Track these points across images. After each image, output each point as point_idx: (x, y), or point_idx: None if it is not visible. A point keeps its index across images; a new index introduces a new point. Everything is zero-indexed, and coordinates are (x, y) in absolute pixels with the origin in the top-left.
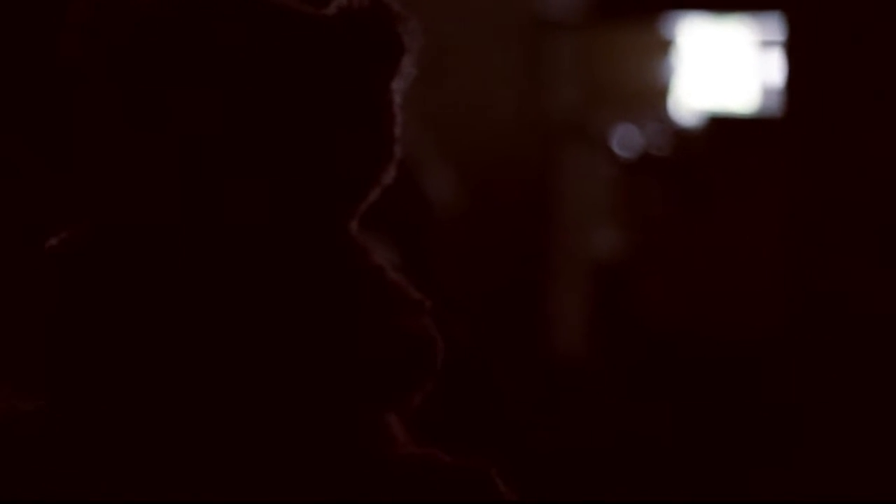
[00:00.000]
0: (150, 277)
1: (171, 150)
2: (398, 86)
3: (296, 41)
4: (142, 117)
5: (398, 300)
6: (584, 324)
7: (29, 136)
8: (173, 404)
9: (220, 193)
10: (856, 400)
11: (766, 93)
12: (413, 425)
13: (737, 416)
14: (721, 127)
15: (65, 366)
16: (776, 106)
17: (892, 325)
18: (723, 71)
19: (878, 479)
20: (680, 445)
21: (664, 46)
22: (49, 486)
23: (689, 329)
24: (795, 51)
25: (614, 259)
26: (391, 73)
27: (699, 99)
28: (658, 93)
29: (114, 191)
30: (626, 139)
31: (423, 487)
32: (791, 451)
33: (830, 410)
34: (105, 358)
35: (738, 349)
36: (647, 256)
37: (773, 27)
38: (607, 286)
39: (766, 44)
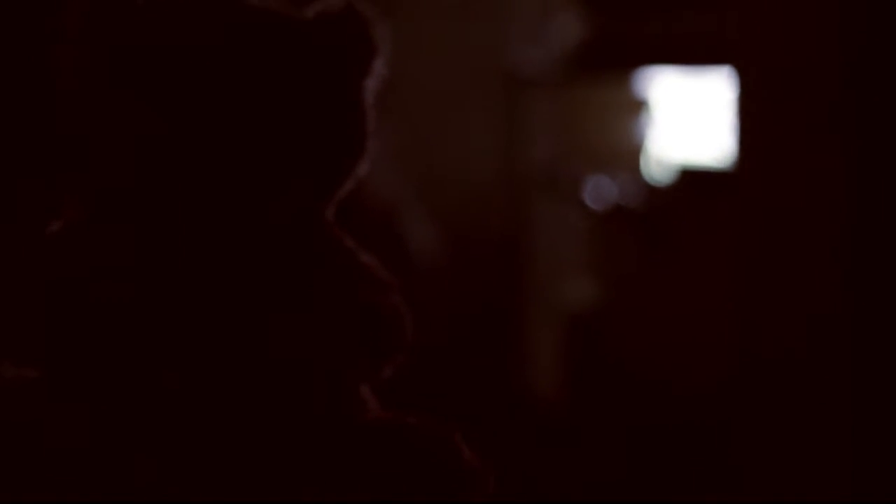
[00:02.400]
0: (139, 260)
1: (155, 143)
2: (370, 85)
3: (275, 41)
4: (127, 113)
5: (369, 279)
6: (558, 370)
7: (28, 132)
8: (160, 376)
9: (202, 181)
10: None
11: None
12: (384, 394)
13: (697, 459)
14: (691, 179)
15: (60, 338)
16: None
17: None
18: (694, 125)
19: None
20: (642, 487)
21: (637, 102)
22: (47, 455)
23: (660, 376)
24: (745, 105)
25: (587, 308)
26: (363, 72)
27: (670, 152)
28: (630, 147)
29: (103, 180)
30: (598, 192)
31: (392, 447)
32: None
33: (768, 460)
34: (97, 332)
35: (703, 396)
36: (618, 305)
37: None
38: (581, 334)
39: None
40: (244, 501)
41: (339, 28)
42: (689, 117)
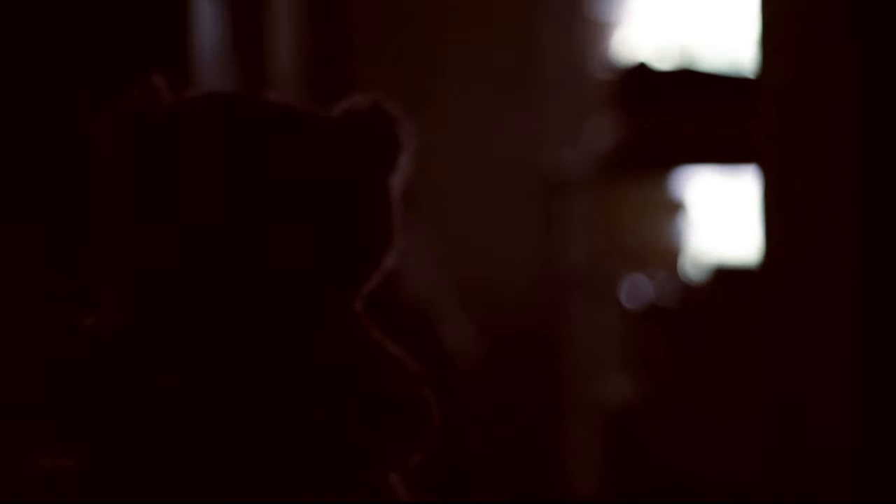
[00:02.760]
0: (172, 352)
1: (186, 242)
2: (396, 181)
3: (303, 140)
4: (158, 213)
5: (397, 369)
6: (596, 464)
7: (62, 229)
8: (196, 468)
9: (234, 277)
10: None
11: None
12: (412, 483)
13: None
14: (725, 278)
15: (98, 430)
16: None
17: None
18: (730, 224)
19: None
20: None
21: (672, 202)
22: None
23: (694, 469)
24: (770, 201)
25: (624, 404)
26: (389, 168)
27: (706, 251)
28: (666, 246)
29: (135, 278)
30: (634, 291)
31: None
32: None
33: None
34: (135, 423)
35: (735, 489)
36: (654, 401)
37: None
38: (617, 429)
39: None
40: None
41: (364, 126)
42: (725, 216)
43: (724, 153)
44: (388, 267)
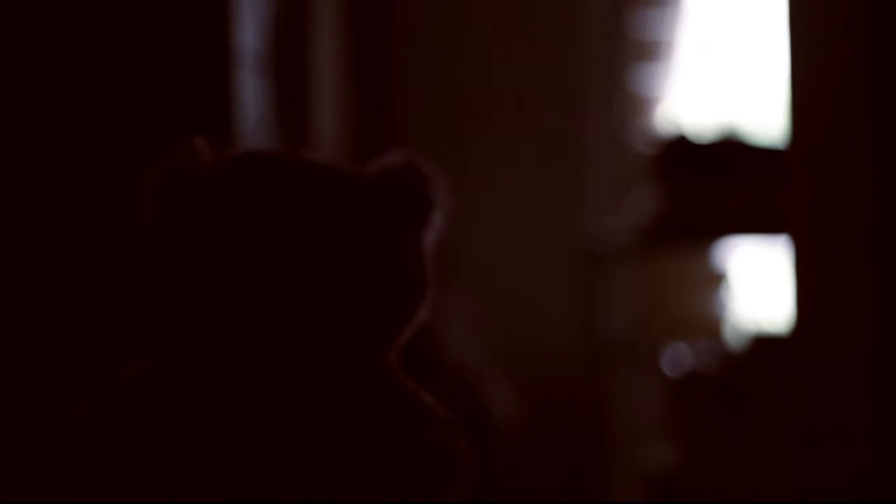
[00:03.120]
0: (211, 402)
1: (226, 294)
2: (429, 237)
3: (339, 197)
4: (199, 266)
5: (431, 419)
6: None
7: (108, 283)
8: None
9: (271, 330)
10: None
11: None
12: None
13: None
14: (765, 345)
15: (143, 476)
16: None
17: None
18: (770, 292)
19: None
20: None
21: (713, 271)
22: None
23: None
24: (799, 269)
25: (666, 470)
26: (423, 224)
27: (746, 319)
28: (707, 315)
29: (178, 330)
30: (675, 359)
31: None
32: None
33: None
34: (176, 472)
35: None
36: (695, 467)
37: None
38: (660, 495)
39: None
40: None
41: (398, 183)
42: (766, 285)
43: (763, 223)
44: (422, 320)
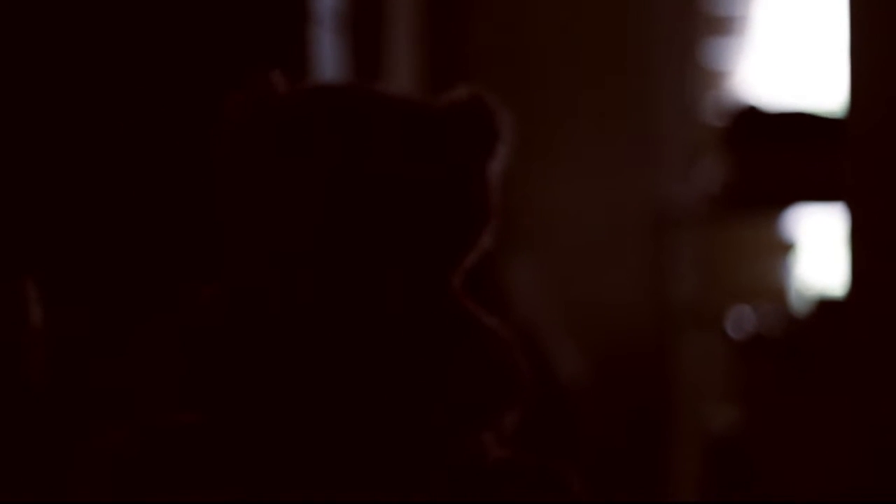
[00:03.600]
0: (287, 315)
1: (296, 223)
2: (494, 166)
3: (407, 126)
4: (273, 195)
5: (491, 337)
6: (700, 490)
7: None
8: (306, 421)
9: (340, 258)
10: None
11: None
12: (507, 442)
13: None
14: (829, 309)
15: (223, 387)
16: None
17: None
18: (835, 257)
19: None
20: None
21: (779, 238)
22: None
23: (795, 494)
24: (854, 235)
25: (729, 431)
26: (488, 154)
27: (811, 284)
28: (771, 280)
29: (245, 256)
30: (740, 322)
31: (509, 484)
32: None
33: None
34: (253, 383)
35: None
36: (758, 429)
37: None
38: (722, 455)
39: None
40: None
41: (465, 115)
42: (831, 251)
43: (829, 191)
44: (485, 246)
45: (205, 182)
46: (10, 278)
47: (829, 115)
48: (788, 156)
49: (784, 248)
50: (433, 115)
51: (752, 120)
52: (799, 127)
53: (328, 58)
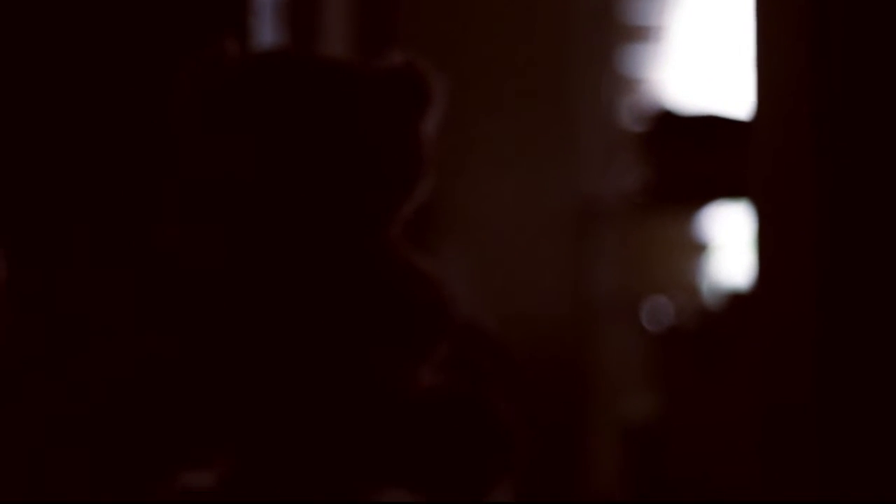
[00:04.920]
0: (222, 277)
1: (242, 178)
2: (427, 125)
3: (347, 88)
4: (231, 144)
5: (425, 279)
6: (618, 474)
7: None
8: (248, 376)
9: (283, 208)
10: None
11: None
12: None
13: None
14: (739, 302)
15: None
16: None
17: None
18: (745, 252)
19: None
20: None
21: (694, 236)
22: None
23: (711, 480)
24: (763, 235)
25: (646, 419)
26: (422, 113)
27: (724, 279)
28: (687, 276)
29: (198, 209)
30: (656, 315)
31: (442, 412)
32: None
33: None
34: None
35: (742, 494)
36: (673, 417)
37: None
38: (639, 442)
39: None
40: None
41: (400, 75)
42: (741, 247)
43: (738, 190)
44: (421, 199)
45: (155, 140)
46: None
47: (737, 118)
48: (701, 157)
49: (698, 245)
50: (371, 77)
51: (667, 123)
52: (711, 129)
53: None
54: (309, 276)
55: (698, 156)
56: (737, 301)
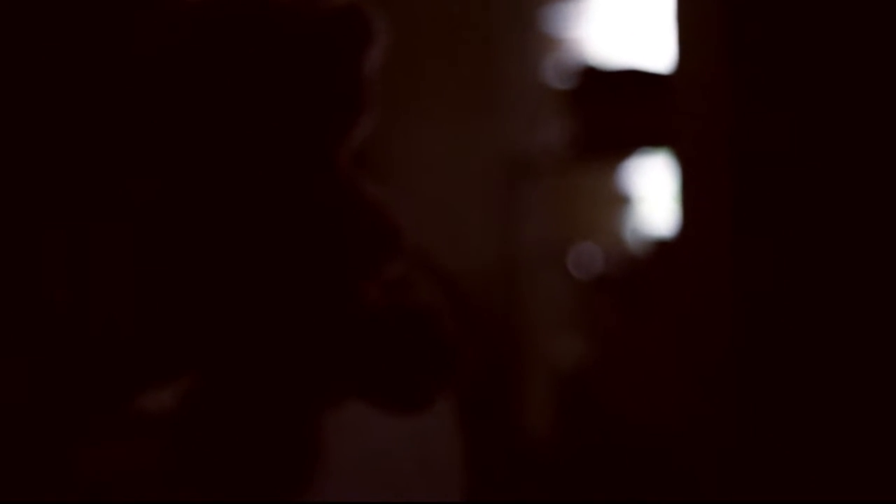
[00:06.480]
0: (178, 207)
1: (189, 110)
2: (369, 62)
3: (289, 28)
4: (167, 86)
5: (373, 202)
6: (549, 414)
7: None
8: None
9: (232, 141)
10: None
11: None
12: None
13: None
14: (662, 249)
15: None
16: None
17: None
18: (668, 198)
19: None
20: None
21: (620, 184)
22: None
23: (642, 421)
24: (684, 182)
25: (576, 363)
26: (362, 51)
27: (649, 226)
28: (612, 224)
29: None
30: (584, 263)
31: (388, 325)
32: None
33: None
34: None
35: (666, 433)
36: (601, 360)
37: None
38: (570, 385)
39: None
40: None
41: (344, 15)
42: (664, 196)
43: (660, 141)
44: (364, 131)
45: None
46: None
47: (658, 73)
48: (624, 111)
49: (622, 196)
50: (312, 18)
51: (591, 79)
52: (633, 84)
53: None
54: (262, 200)
55: (621, 110)
56: (660, 248)
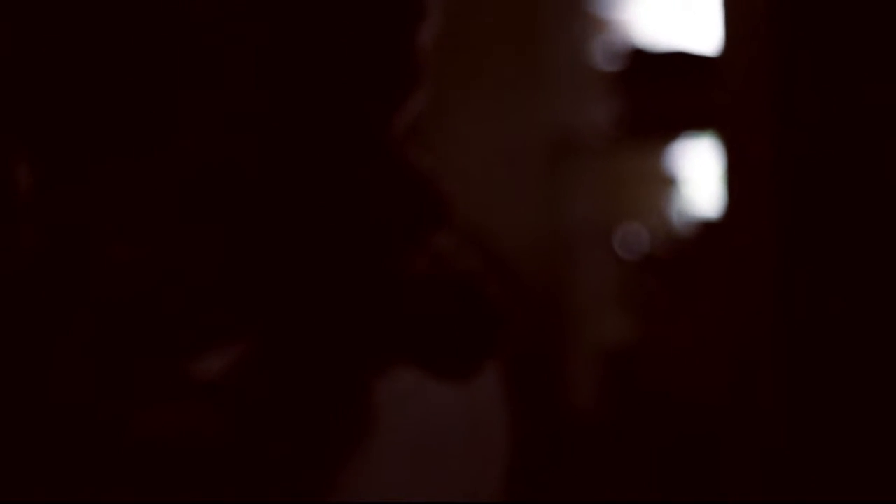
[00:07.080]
0: (224, 184)
1: (241, 86)
2: (426, 29)
3: (344, 3)
4: (229, 59)
5: (425, 174)
6: (594, 393)
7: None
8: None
9: (285, 114)
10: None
11: None
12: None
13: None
14: (709, 230)
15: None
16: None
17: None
18: (714, 180)
19: None
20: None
21: (666, 165)
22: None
23: (686, 398)
24: (730, 165)
25: (621, 342)
26: (419, 17)
27: (695, 208)
28: (658, 205)
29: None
30: (630, 243)
31: (436, 291)
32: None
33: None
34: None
35: (709, 408)
36: (647, 339)
37: None
38: (616, 363)
39: None
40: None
41: None
42: (710, 178)
43: (708, 123)
44: (417, 106)
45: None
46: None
47: (705, 56)
48: (671, 94)
49: (668, 177)
50: None
51: (638, 61)
52: (680, 67)
53: None
54: (317, 170)
55: (668, 92)
56: (705, 229)
